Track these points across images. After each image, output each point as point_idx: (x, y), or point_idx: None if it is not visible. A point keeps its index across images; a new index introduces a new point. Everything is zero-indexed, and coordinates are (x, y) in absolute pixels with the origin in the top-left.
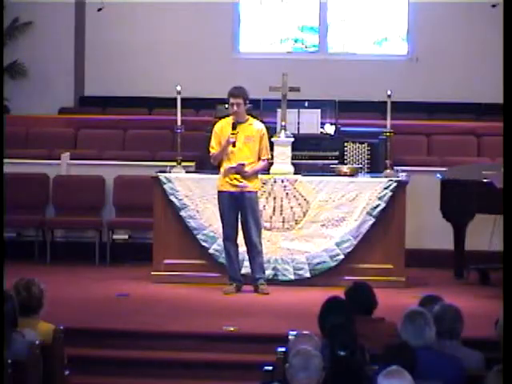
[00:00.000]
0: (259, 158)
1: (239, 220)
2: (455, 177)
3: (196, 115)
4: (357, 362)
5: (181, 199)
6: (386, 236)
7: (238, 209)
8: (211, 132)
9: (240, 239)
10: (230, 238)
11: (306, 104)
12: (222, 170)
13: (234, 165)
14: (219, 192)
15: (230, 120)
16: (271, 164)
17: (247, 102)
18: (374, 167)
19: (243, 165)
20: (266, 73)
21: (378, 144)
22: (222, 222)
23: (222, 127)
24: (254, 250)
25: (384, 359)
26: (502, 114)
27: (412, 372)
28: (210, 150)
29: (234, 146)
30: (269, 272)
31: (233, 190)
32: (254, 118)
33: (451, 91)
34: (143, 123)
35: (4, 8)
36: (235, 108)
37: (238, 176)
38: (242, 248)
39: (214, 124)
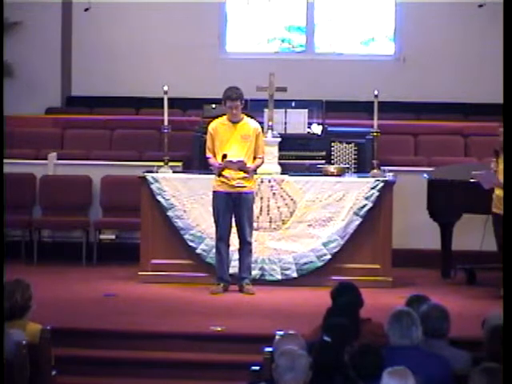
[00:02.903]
0: (254, 157)
1: (233, 220)
2: (442, 177)
3: (183, 115)
4: (337, 352)
5: (168, 199)
6: (372, 236)
7: (233, 209)
8: (198, 131)
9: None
10: (223, 238)
11: (293, 104)
12: (215, 171)
13: (234, 160)
14: (215, 192)
15: (223, 119)
16: None
17: (243, 102)
18: (361, 167)
19: (242, 161)
20: (253, 73)
21: (364, 144)
22: (217, 222)
23: (216, 127)
24: (245, 250)
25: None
26: (502, 114)
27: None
28: (207, 150)
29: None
30: (256, 272)
31: (230, 190)
32: (249, 116)
33: (438, 91)
34: (130, 123)
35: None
36: (234, 112)
37: (235, 176)
38: (231, 248)
39: (208, 123)
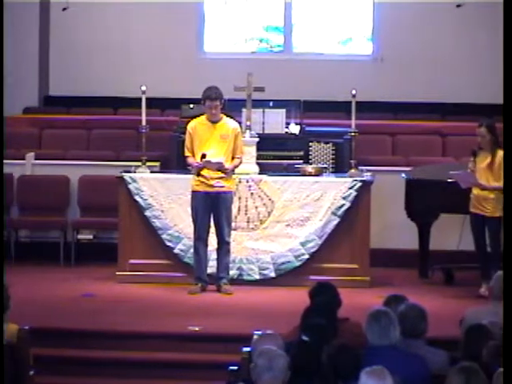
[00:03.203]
0: (233, 157)
1: (211, 220)
2: (420, 177)
3: (161, 115)
4: (315, 352)
5: (146, 199)
6: (350, 236)
7: (212, 209)
8: (176, 131)
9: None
10: (201, 238)
11: (271, 104)
12: (194, 170)
13: (214, 160)
14: (194, 192)
15: (203, 119)
16: None
17: (222, 102)
18: (339, 167)
19: (221, 163)
20: (231, 73)
21: (342, 144)
22: (195, 222)
23: (196, 127)
24: (223, 250)
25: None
26: (502, 114)
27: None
28: (185, 149)
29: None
30: (234, 272)
31: (209, 190)
32: (228, 116)
33: (416, 91)
34: (108, 123)
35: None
36: (213, 111)
37: (214, 176)
38: (209, 248)
39: (187, 123)
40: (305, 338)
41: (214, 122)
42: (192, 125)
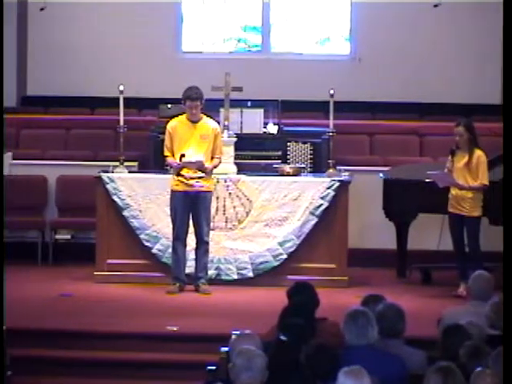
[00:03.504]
0: (212, 157)
1: (190, 220)
2: (398, 176)
3: (138, 115)
4: (293, 351)
5: (123, 199)
6: (328, 235)
7: (191, 209)
8: (154, 131)
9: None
10: (180, 237)
11: (249, 104)
12: (173, 170)
13: (193, 159)
14: (173, 192)
15: (183, 119)
16: None
17: (203, 102)
18: (317, 167)
19: (201, 161)
20: (209, 72)
21: (320, 144)
22: (174, 222)
23: (176, 126)
24: (202, 250)
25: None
26: (502, 114)
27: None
28: (165, 149)
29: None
30: (212, 272)
31: (188, 189)
32: (208, 116)
33: (394, 91)
34: (86, 123)
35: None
36: (193, 111)
37: (194, 176)
38: (187, 248)
39: (166, 123)
40: (283, 337)
41: (194, 122)
42: (172, 124)
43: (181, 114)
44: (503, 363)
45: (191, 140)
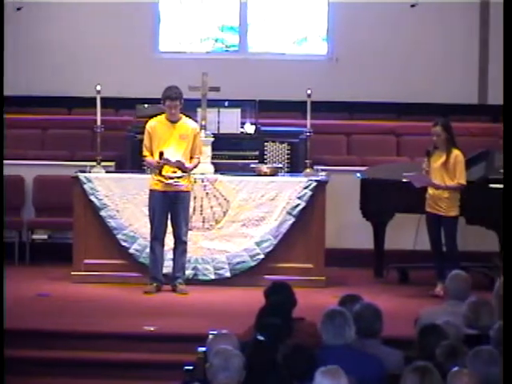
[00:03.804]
0: (191, 157)
1: (169, 219)
2: (375, 176)
3: (116, 115)
4: (270, 351)
5: (101, 199)
6: (305, 235)
7: (169, 208)
8: (131, 131)
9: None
10: (158, 237)
11: (226, 104)
12: (153, 169)
13: (172, 160)
14: (151, 191)
15: (162, 118)
16: None
17: (182, 102)
18: (294, 167)
19: (180, 161)
20: (186, 72)
21: (298, 144)
22: (152, 222)
23: (155, 126)
24: (180, 250)
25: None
26: (503, 113)
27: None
28: (144, 148)
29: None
30: (189, 272)
31: (167, 189)
32: (187, 116)
33: (371, 91)
34: (63, 123)
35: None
36: (173, 111)
37: (173, 175)
38: (165, 248)
39: (145, 123)
40: (260, 337)
41: (174, 122)
42: (151, 124)
43: (159, 114)
44: (503, 363)
45: (170, 140)
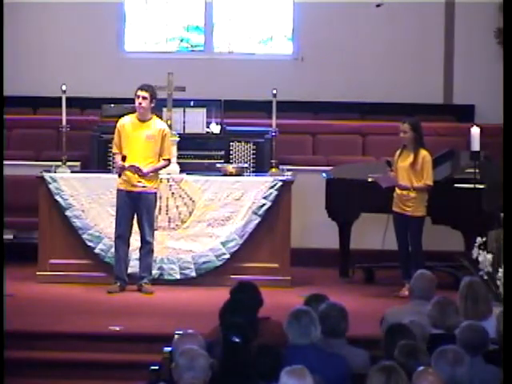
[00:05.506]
0: (159, 158)
1: (135, 219)
2: (340, 176)
3: (81, 115)
4: (236, 351)
5: (66, 199)
6: (271, 235)
7: (134, 208)
8: (97, 131)
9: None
10: (122, 236)
11: (192, 103)
12: (117, 170)
13: (127, 165)
14: (117, 190)
15: (133, 117)
16: None
17: (154, 100)
18: (260, 166)
19: (134, 166)
20: (152, 72)
21: (263, 143)
22: (116, 220)
23: (124, 124)
24: (145, 250)
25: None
26: (503, 113)
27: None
28: (114, 146)
29: (124, 159)
30: (155, 272)
31: (131, 189)
32: (158, 117)
33: (336, 91)
34: (28, 123)
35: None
36: (140, 100)
37: (136, 176)
38: (131, 247)
39: (116, 122)
40: (236, 339)
41: (143, 121)
42: (121, 122)
43: (126, 114)
44: (503, 363)
45: (137, 139)
